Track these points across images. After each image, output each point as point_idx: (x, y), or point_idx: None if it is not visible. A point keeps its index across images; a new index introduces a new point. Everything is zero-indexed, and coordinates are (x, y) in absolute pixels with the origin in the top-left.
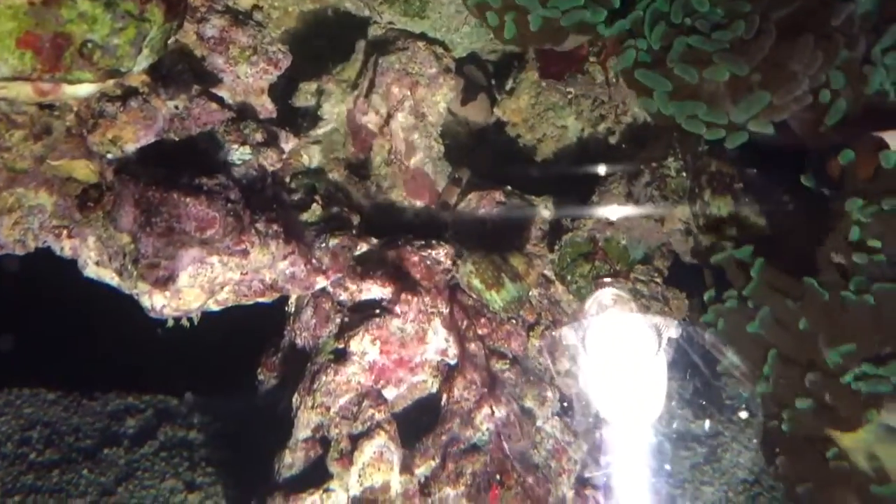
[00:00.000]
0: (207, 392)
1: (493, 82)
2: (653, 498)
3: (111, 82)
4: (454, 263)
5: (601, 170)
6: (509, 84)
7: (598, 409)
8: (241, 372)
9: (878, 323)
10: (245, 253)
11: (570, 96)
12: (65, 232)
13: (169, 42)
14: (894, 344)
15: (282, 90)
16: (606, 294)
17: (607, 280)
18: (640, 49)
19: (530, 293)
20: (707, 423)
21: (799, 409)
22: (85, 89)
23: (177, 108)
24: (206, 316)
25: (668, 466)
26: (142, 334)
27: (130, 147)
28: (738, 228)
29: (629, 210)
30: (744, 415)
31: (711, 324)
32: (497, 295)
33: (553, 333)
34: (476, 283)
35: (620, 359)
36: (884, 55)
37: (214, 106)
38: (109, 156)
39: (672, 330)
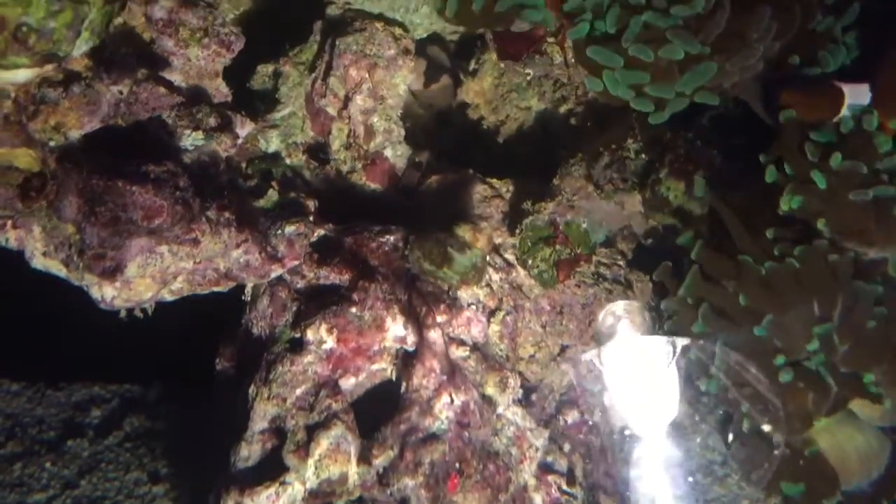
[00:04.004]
0: (175, 380)
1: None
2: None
3: (50, 67)
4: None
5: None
6: (472, 65)
7: (624, 421)
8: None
9: (806, 285)
10: (196, 242)
11: (529, 77)
12: (9, 223)
13: (112, 24)
14: (827, 306)
15: (238, 72)
16: (619, 306)
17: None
18: (595, 28)
19: (492, 281)
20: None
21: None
22: (22, 75)
23: (121, 92)
24: (175, 303)
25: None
26: (108, 322)
27: (74, 134)
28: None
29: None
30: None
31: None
32: (450, 270)
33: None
34: (426, 266)
35: (637, 372)
36: (844, 33)
37: (163, 90)
38: (52, 143)
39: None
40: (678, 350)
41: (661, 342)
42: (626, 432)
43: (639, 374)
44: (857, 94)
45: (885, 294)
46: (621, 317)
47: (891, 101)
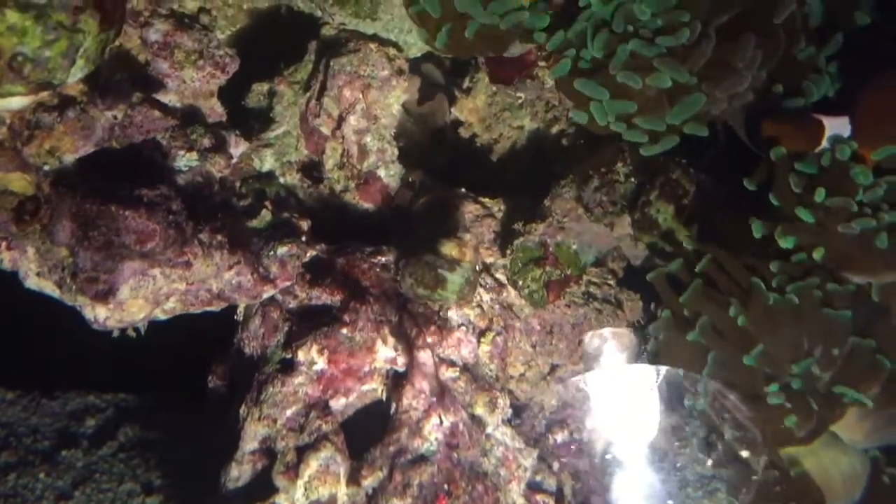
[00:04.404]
0: (171, 391)
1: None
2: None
3: (45, 94)
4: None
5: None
6: (466, 83)
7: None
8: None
9: (802, 322)
10: (188, 265)
11: (521, 101)
12: (3, 244)
13: (107, 51)
14: (822, 342)
15: (234, 91)
16: (606, 331)
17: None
18: (581, 58)
19: (482, 301)
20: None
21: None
22: (17, 102)
23: (115, 117)
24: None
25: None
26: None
27: (69, 158)
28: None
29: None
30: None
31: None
32: (444, 291)
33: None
34: (421, 291)
35: (620, 397)
36: (828, 63)
37: (157, 113)
38: (46, 167)
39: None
40: (661, 376)
41: (644, 368)
42: (608, 456)
43: (621, 398)
44: (837, 127)
45: (868, 318)
46: (608, 339)
47: (870, 133)
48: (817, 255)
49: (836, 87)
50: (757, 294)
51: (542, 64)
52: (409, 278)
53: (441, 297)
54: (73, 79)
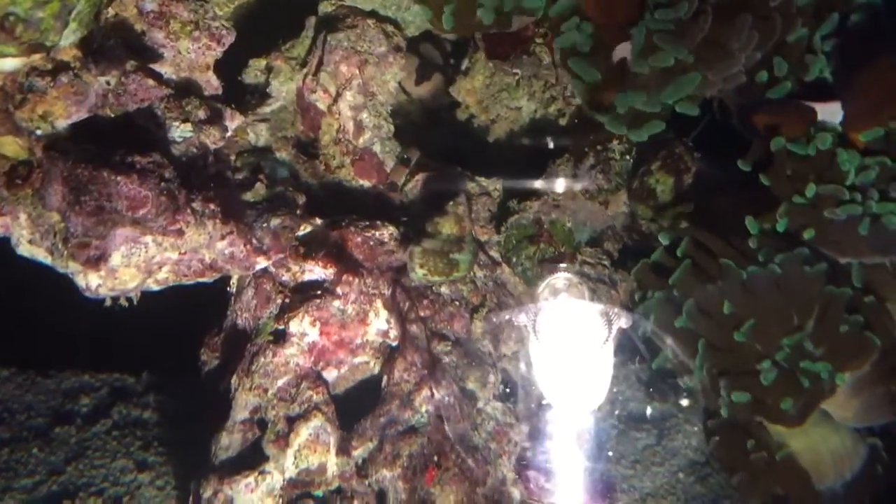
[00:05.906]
0: (166, 369)
1: (451, 61)
2: (594, 480)
3: (37, 56)
4: (403, 248)
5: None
6: (464, 64)
7: (543, 392)
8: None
9: (786, 293)
10: (180, 233)
11: (517, 77)
12: None
13: (103, 16)
14: (804, 314)
15: (231, 66)
16: (560, 279)
17: (561, 266)
18: (583, 30)
19: (476, 277)
20: (659, 405)
21: (734, 403)
22: (9, 64)
23: (109, 83)
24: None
25: (611, 452)
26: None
27: (61, 123)
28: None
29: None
30: (685, 402)
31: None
32: (458, 273)
33: (503, 315)
34: (435, 279)
35: (568, 345)
36: (823, 42)
37: (152, 82)
38: (39, 132)
39: (623, 320)
40: (615, 330)
41: (599, 319)
42: (544, 402)
43: (571, 348)
44: (828, 113)
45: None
46: (560, 290)
47: (862, 116)
48: (807, 235)
49: (830, 67)
50: (731, 273)
51: (538, 41)
52: (420, 269)
53: (454, 279)
54: (66, 42)
